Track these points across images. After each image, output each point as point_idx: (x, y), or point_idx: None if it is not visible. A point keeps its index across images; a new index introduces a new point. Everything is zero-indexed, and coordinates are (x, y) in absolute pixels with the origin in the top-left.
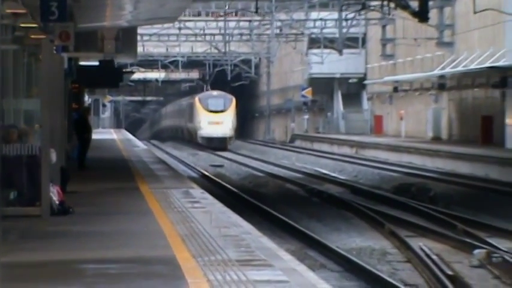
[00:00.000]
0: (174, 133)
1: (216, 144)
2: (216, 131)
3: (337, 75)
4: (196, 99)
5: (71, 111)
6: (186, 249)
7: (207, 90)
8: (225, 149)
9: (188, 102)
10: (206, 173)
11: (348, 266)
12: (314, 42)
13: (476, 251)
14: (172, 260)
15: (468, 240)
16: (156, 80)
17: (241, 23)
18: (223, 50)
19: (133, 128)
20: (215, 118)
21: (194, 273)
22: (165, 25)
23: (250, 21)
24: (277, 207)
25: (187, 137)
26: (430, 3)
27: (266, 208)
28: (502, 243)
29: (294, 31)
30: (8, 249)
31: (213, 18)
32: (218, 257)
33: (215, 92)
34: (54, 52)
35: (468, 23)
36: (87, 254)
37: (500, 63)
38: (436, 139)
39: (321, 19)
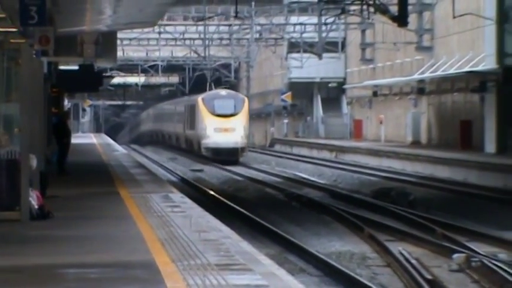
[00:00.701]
0: (164, 140)
1: (225, 157)
2: (225, 140)
3: (317, 80)
4: (200, 100)
5: (50, 116)
6: (166, 254)
7: (210, 89)
8: (235, 162)
9: (187, 104)
10: (186, 178)
11: (327, 270)
12: (294, 46)
13: (455, 256)
14: (151, 265)
15: (447, 244)
16: (136, 85)
17: (221, 28)
18: (203, 54)
19: (113, 132)
20: (224, 124)
21: (174, 278)
22: (145, 29)
23: (230, 25)
24: (256, 211)
25: (186, 147)
26: (410, 7)
27: (246, 212)
28: (481, 248)
29: (273, 35)
30: None
31: (192, 23)
32: (198, 262)
33: (223, 91)
34: (34, 56)
35: (447, 27)
36: (67, 258)
37: (480, 67)
38: (416, 143)
39: (300, 23)
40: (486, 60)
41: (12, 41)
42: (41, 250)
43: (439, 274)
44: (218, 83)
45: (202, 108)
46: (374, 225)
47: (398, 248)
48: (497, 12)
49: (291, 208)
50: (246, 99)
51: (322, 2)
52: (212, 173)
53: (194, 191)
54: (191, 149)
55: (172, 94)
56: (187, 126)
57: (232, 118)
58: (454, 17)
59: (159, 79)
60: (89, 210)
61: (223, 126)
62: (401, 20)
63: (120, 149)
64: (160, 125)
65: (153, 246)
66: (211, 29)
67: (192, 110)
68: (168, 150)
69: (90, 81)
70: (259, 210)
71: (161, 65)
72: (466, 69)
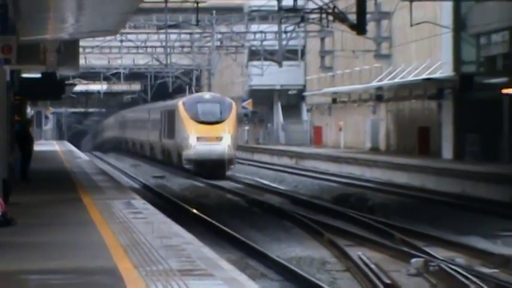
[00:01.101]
0: (135, 150)
1: (210, 170)
2: (209, 150)
3: (277, 87)
4: (180, 104)
5: (13, 123)
6: (128, 260)
7: (190, 92)
8: (222, 177)
9: (164, 110)
10: (148, 184)
11: (288, 275)
12: (254, 54)
13: (413, 260)
14: (114, 271)
15: (406, 249)
16: (98, 92)
17: (182, 36)
18: (164, 62)
19: (76, 139)
20: (208, 132)
21: (136, 284)
22: (107, 38)
23: (191, 33)
24: (218, 217)
25: (163, 158)
26: (368, 16)
27: (207, 218)
28: (438, 252)
29: (234, 43)
30: None
31: (154, 31)
32: (160, 267)
33: (207, 95)
34: None
35: (405, 35)
36: (30, 265)
37: (437, 75)
38: (374, 150)
39: (261, 32)
40: (443, 68)
41: None
42: (3, 257)
43: (397, 278)
44: (179, 90)
45: (183, 114)
46: (334, 231)
47: (357, 252)
48: (453, 21)
49: (252, 214)
50: (234, 104)
51: (282, 11)
52: (174, 180)
53: (156, 197)
54: (169, 160)
55: (135, 101)
56: (164, 135)
57: (218, 125)
58: (412, 25)
59: (121, 87)
60: (51, 217)
61: (207, 135)
62: (359, 28)
63: (82, 156)
64: (130, 132)
65: (115, 252)
66: (173, 37)
67: (171, 116)
68: (131, 157)
69: (52, 89)
70: (221, 216)
71: (123, 73)
72: (424, 76)
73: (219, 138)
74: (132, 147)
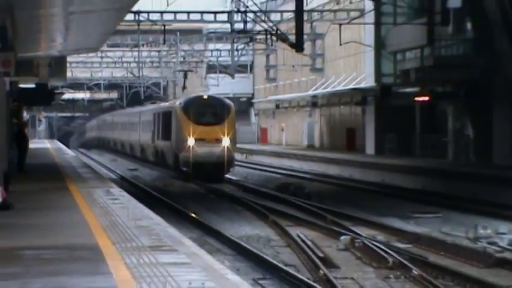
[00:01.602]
0: (122, 150)
1: (208, 172)
2: (208, 153)
3: (230, 95)
4: (177, 106)
5: (11, 125)
6: (107, 238)
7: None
8: (221, 180)
9: (158, 112)
10: (124, 175)
11: (239, 250)
12: (211, 68)
13: (342, 237)
14: (95, 247)
15: (336, 228)
16: (83, 99)
17: (152, 53)
18: (137, 75)
19: (64, 138)
20: (207, 134)
21: (113, 257)
22: (90, 54)
23: (159, 51)
24: (181, 202)
25: (155, 160)
26: (305, 36)
27: (172, 203)
28: (363, 231)
29: (195, 59)
30: None
31: (128, 49)
32: (133, 244)
33: (205, 96)
34: None
35: (335, 52)
36: (25, 242)
37: (361, 85)
38: (310, 147)
39: (217, 49)
40: (366, 79)
41: None
42: (3, 235)
43: (329, 253)
44: (150, 98)
45: (180, 116)
46: (277, 213)
47: (296, 231)
48: (375, 40)
49: (209, 199)
50: (232, 105)
51: (234, 32)
52: (146, 172)
53: (131, 186)
54: (163, 162)
55: (113, 107)
56: (157, 137)
57: (216, 127)
58: (341, 44)
59: (101, 95)
60: (43, 202)
61: (206, 137)
62: (298, 46)
63: (70, 153)
64: (118, 133)
65: (96, 231)
66: (144, 54)
67: (166, 117)
68: (110, 153)
69: (44, 97)
70: (183, 201)
71: (103, 83)
72: (351, 86)
73: (218, 140)
74: (121, 148)
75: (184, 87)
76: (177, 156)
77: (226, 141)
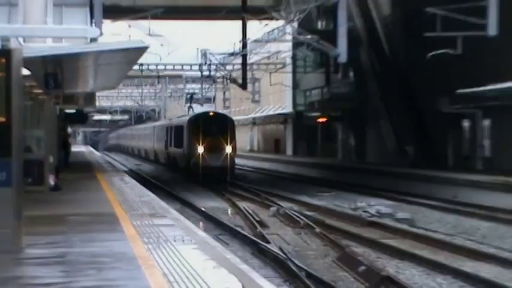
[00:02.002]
0: (139, 154)
1: (214, 175)
2: (214, 159)
3: None
4: (188, 120)
5: (60, 136)
6: (121, 208)
7: (190, 111)
8: (224, 181)
9: (171, 126)
10: (132, 169)
11: (206, 216)
12: (188, 100)
13: (271, 208)
14: (113, 214)
15: (267, 202)
16: (106, 120)
17: (150, 90)
18: (141, 104)
19: (94, 145)
20: (212, 143)
21: (125, 220)
22: (110, 90)
23: (155, 88)
24: (169, 186)
25: (167, 162)
26: (248, 79)
27: (163, 186)
28: (285, 204)
29: (178, 94)
30: (28, 209)
31: (135, 87)
32: (138, 212)
33: (211, 112)
34: (52, 106)
35: (267, 90)
36: (69, 211)
37: (283, 111)
38: (252, 150)
39: (192, 88)
40: (287, 108)
41: (40, 97)
42: (55, 206)
43: (263, 218)
44: (149, 119)
45: (191, 129)
46: (230, 193)
47: (242, 205)
48: (292, 83)
49: (187, 184)
50: (233, 120)
51: (203, 77)
52: (146, 167)
53: (136, 175)
54: (174, 164)
55: (125, 125)
56: (170, 145)
57: (220, 137)
58: (271, 85)
59: (117, 117)
60: (80, 186)
61: (212, 146)
62: (243, 86)
63: (97, 154)
64: (134, 142)
65: (114, 204)
66: (145, 90)
67: (178, 130)
68: (124, 154)
69: (81, 118)
70: (170, 185)
71: (119, 109)
72: (277, 112)
73: (222, 149)
74: (137, 152)
75: (190, 107)
76: (188, 161)
77: (228, 149)
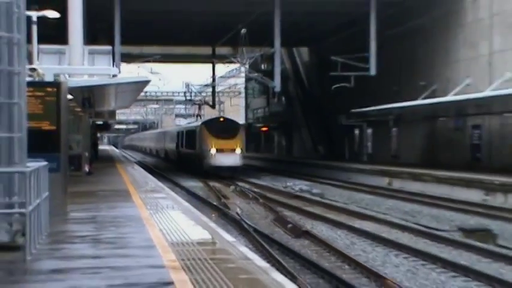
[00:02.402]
0: (150, 152)
1: (226, 173)
2: (226, 159)
3: None
4: (202, 125)
5: (92, 139)
6: (132, 186)
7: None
8: (232, 177)
9: (182, 130)
10: (139, 160)
11: (189, 192)
12: (177, 116)
13: (231, 187)
14: (127, 190)
15: (228, 183)
16: (122, 128)
17: (152, 108)
18: (145, 117)
19: (115, 145)
20: (225, 145)
21: (135, 194)
22: (125, 109)
23: (155, 108)
24: (165, 171)
25: (179, 160)
26: (216, 101)
27: (161, 172)
28: (240, 184)
29: (169, 112)
30: (71, 187)
31: (142, 106)
32: (143, 189)
33: (221, 118)
34: (87, 119)
35: (229, 109)
36: (98, 188)
37: (240, 122)
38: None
39: (178, 108)
40: (241, 121)
41: (80, 114)
42: (89, 185)
43: (225, 193)
44: (151, 128)
45: (205, 132)
46: (204, 177)
47: (213, 184)
48: (245, 104)
49: (176, 171)
50: (242, 125)
51: (187, 100)
52: (148, 159)
53: (142, 165)
54: (184, 161)
55: (136, 131)
56: (181, 146)
57: (231, 140)
58: (231, 106)
59: (130, 126)
60: (105, 172)
61: (224, 147)
62: (213, 106)
63: (117, 151)
64: (146, 143)
65: (127, 183)
66: (149, 109)
67: (191, 133)
68: (137, 151)
69: (106, 127)
70: (166, 171)
71: (131, 121)
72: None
73: (233, 150)
74: (149, 151)
75: (198, 115)
76: (201, 161)
77: (238, 150)
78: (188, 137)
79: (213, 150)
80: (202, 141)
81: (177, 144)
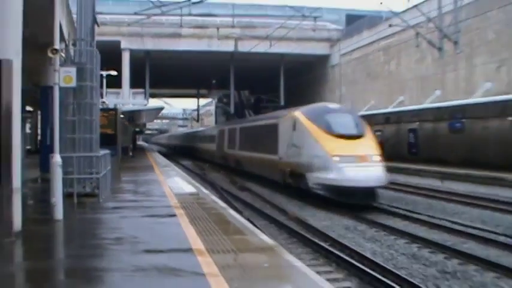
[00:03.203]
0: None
1: (357, 200)
2: (360, 175)
3: None
4: (300, 115)
5: (133, 138)
6: (156, 164)
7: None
8: (369, 206)
9: (256, 125)
10: (160, 150)
11: (185, 167)
12: (179, 126)
13: (206, 165)
14: (152, 166)
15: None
16: (149, 132)
17: (164, 122)
18: (160, 127)
19: (146, 142)
20: (354, 149)
21: (157, 169)
22: (150, 122)
23: (167, 122)
24: (175, 156)
25: (223, 163)
26: (200, 119)
27: (169, 157)
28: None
29: (175, 125)
30: (122, 163)
31: (159, 120)
32: (161, 165)
33: (331, 105)
34: (131, 127)
35: (207, 123)
36: (136, 164)
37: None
38: None
39: (180, 124)
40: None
41: (127, 124)
42: (132, 163)
43: (205, 168)
44: (165, 132)
45: (309, 126)
46: (196, 160)
47: (197, 163)
48: (215, 121)
49: (177, 155)
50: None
51: (184, 118)
52: (163, 150)
53: (162, 154)
54: (259, 172)
55: (155, 134)
56: (234, 147)
57: (361, 140)
58: (207, 122)
59: (154, 132)
60: (140, 157)
61: (355, 153)
62: (197, 121)
63: (147, 145)
64: (194, 143)
65: (153, 163)
66: (163, 122)
67: (271, 130)
68: (159, 146)
69: (141, 132)
70: (172, 157)
71: (154, 129)
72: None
73: (371, 158)
74: (167, 146)
75: (198, 119)
76: (299, 176)
77: (378, 159)
78: (266, 134)
79: (333, 159)
80: (306, 142)
81: (219, 145)
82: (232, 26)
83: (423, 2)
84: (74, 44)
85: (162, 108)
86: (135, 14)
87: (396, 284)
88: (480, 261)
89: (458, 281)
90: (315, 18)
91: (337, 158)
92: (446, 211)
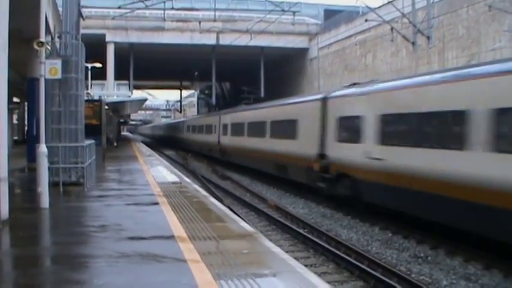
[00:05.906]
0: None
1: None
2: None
3: None
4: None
5: (117, 129)
6: (139, 153)
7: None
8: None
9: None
10: (143, 141)
11: (168, 156)
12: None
13: (189, 154)
14: (135, 156)
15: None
16: (134, 123)
17: (148, 113)
18: (144, 118)
19: (131, 132)
20: None
21: (141, 158)
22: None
23: (150, 113)
24: (160, 148)
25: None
26: (183, 110)
27: (152, 146)
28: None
29: (157, 115)
30: (107, 153)
31: (142, 111)
32: (145, 155)
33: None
34: (115, 118)
35: (190, 113)
36: (120, 154)
37: None
38: None
39: (163, 114)
40: None
41: (111, 115)
42: (116, 152)
43: (188, 158)
44: (148, 123)
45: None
46: (179, 150)
47: (181, 153)
48: (197, 112)
49: (160, 146)
50: None
51: (167, 109)
52: (147, 141)
53: (145, 144)
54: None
55: (140, 125)
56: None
57: None
58: (189, 112)
59: (138, 122)
60: (124, 147)
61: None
62: (180, 111)
63: (131, 136)
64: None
65: (138, 153)
66: (146, 113)
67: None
68: (143, 137)
69: (125, 122)
70: (153, 146)
71: (138, 120)
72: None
73: None
74: (152, 137)
75: (181, 110)
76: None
77: None
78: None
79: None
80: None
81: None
82: (214, 20)
83: None
84: (60, 37)
85: (145, 100)
86: (120, 7)
87: (372, 269)
88: None
89: (428, 265)
90: (294, 12)
91: None
92: None
